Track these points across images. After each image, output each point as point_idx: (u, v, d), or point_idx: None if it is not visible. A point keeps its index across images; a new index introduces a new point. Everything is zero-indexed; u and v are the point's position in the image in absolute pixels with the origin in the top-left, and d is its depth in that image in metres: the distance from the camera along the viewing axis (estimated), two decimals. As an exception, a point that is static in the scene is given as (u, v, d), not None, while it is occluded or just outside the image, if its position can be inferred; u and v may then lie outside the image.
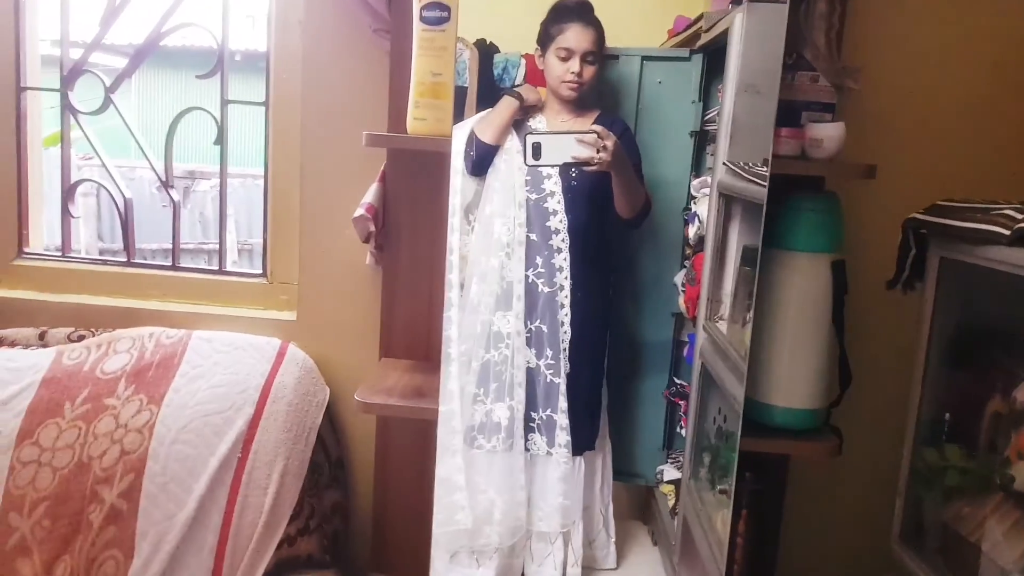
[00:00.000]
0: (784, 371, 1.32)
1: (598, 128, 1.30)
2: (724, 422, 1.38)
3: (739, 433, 1.23)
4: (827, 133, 1.28)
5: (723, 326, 1.37)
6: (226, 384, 1.53)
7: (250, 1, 1.74)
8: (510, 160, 1.40)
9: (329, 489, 1.61)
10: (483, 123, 1.39)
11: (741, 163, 1.28)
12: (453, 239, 1.38)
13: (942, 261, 1.19)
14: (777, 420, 1.34)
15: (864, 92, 1.38)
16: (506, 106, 1.39)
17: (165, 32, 1.70)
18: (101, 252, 4.27)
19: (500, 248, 1.39)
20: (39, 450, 1.50)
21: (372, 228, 1.54)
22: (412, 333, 1.59)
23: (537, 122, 1.45)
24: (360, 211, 1.52)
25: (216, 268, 1.76)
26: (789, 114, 1.33)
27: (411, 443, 1.58)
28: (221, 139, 1.72)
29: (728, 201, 1.34)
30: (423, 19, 1.36)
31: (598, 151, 1.29)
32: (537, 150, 1.32)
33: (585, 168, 1.32)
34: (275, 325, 1.67)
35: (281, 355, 1.59)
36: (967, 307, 1.21)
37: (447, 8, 1.34)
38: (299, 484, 1.51)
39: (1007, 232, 0.98)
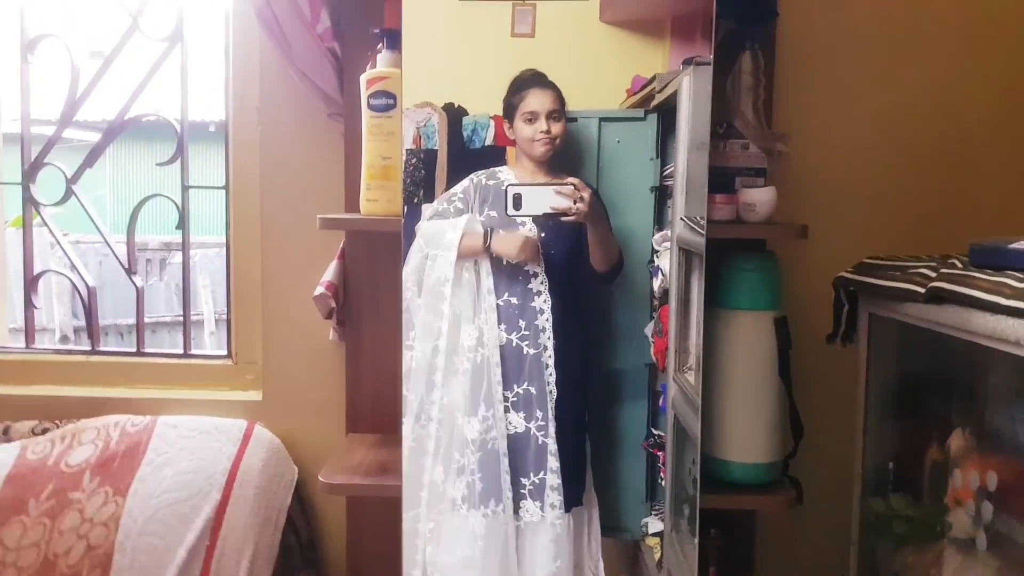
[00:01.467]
0: (738, 427, 1.36)
1: (575, 180, 1.36)
2: (697, 471, 1.40)
3: (698, 493, 1.26)
4: (759, 198, 1.34)
5: (691, 376, 1.41)
6: (192, 470, 1.53)
7: (214, 77, 1.79)
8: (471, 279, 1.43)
9: (301, 572, 1.60)
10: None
11: (697, 218, 1.33)
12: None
13: (871, 317, 1.25)
14: (736, 476, 1.38)
15: (794, 155, 1.46)
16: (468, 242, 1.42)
17: (127, 121, 1.75)
18: (76, 330, 4.25)
19: (469, 351, 1.42)
20: (3, 550, 1.48)
21: (333, 304, 1.57)
22: (377, 407, 1.61)
23: (508, 177, 1.49)
24: (320, 289, 1.56)
25: (181, 352, 1.78)
26: (723, 180, 1.40)
27: (383, 519, 1.58)
28: (183, 224, 1.76)
29: (688, 255, 1.40)
30: (371, 106, 1.42)
31: (575, 202, 1.34)
32: (518, 201, 1.36)
33: (562, 219, 1.37)
34: (241, 406, 1.68)
35: (247, 437, 1.60)
36: (900, 359, 1.26)
37: (392, 96, 1.41)
38: (270, 569, 1.50)
39: (922, 290, 1.04)
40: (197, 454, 1.55)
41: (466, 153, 1.50)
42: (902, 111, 1.54)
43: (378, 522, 1.60)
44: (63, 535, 1.48)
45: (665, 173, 1.60)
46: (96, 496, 1.52)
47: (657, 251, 1.56)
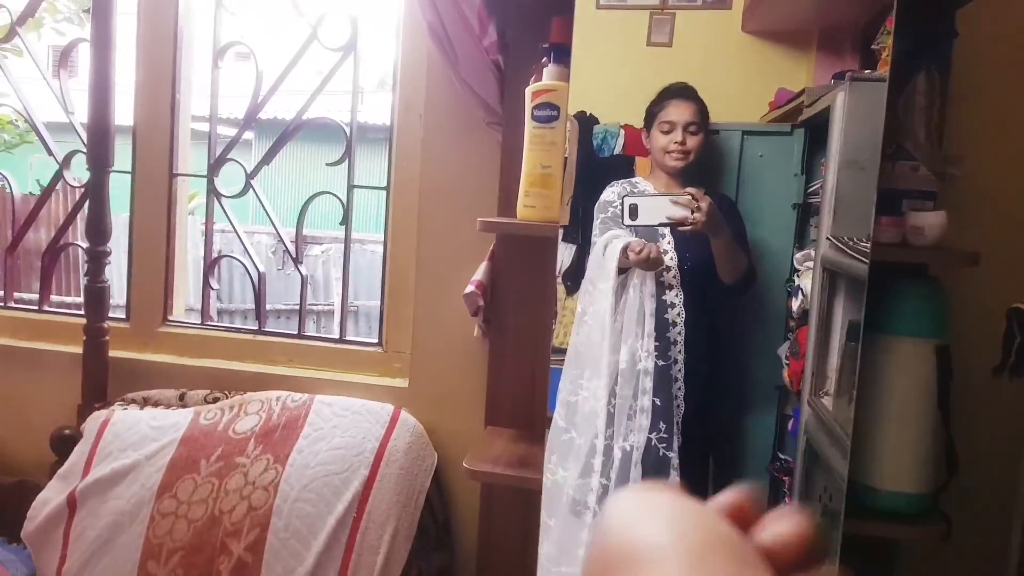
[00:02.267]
0: (890, 454, 1.33)
1: (692, 190, 1.36)
2: (830, 501, 1.37)
3: (842, 513, 1.23)
4: (929, 221, 1.30)
5: (828, 402, 1.38)
6: (344, 447, 1.64)
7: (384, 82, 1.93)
8: (638, 287, 1.44)
9: (436, 552, 1.69)
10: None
11: (845, 238, 1.31)
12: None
13: (1051, 352, 1.19)
14: (883, 504, 1.34)
15: (967, 179, 1.40)
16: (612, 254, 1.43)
17: (303, 123, 1.90)
18: (219, 312, 4.61)
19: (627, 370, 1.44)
20: (176, 503, 1.65)
21: (481, 303, 1.65)
22: (516, 403, 1.68)
23: (646, 188, 1.51)
24: (470, 287, 1.64)
25: (337, 337, 1.91)
26: (890, 201, 1.36)
27: (514, 511, 1.65)
28: (346, 220, 1.89)
29: (832, 276, 1.37)
30: (534, 117, 1.48)
31: (692, 212, 1.34)
32: (634, 211, 1.38)
33: (680, 229, 1.37)
34: (389, 391, 1.79)
35: (394, 420, 1.70)
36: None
37: (556, 107, 1.47)
38: (408, 546, 1.59)
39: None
40: (349, 432, 1.66)
41: (595, 161, 1.52)
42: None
43: (509, 512, 1.67)
44: (228, 494, 1.63)
45: (810, 190, 1.58)
46: (259, 462, 1.65)
47: (798, 270, 1.54)
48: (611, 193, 1.48)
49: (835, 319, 1.39)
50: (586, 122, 1.54)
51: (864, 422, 1.33)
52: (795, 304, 1.52)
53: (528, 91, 1.49)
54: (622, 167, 1.51)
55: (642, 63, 1.51)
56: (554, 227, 1.47)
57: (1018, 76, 1.49)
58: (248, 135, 2.12)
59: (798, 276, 1.54)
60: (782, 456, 1.61)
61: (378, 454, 1.64)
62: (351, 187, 1.88)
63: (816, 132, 1.54)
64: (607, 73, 1.54)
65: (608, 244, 1.44)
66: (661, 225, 1.39)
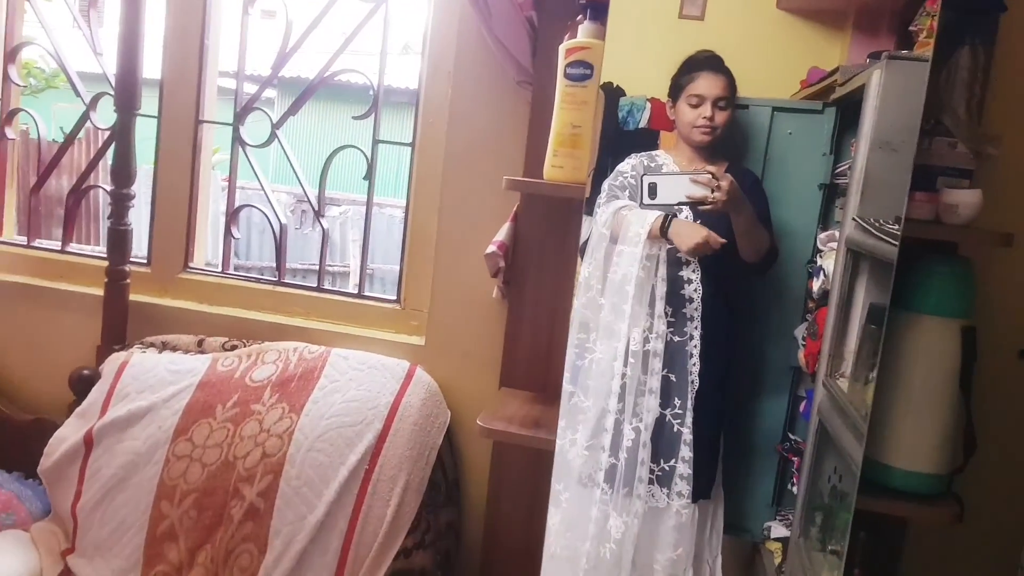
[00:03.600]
0: (907, 434, 1.32)
1: (712, 168, 1.34)
2: (839, 482, 1.37)
3: (855, 491, 1.23)
4: (963, 200, 1.28)
5: (844, 384, 1.37)
6: (359, 400, 1.65)
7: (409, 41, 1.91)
8: (649, 266, 1.42)
9: (445, 508, 1.70)
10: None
11: (871, 219, 1.29)
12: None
13: (1082, 335, 1.17)
14: (897, 483, 1.33)
15: (1004, 159, 1.37)
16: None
17: (328, 77, 1.89)
18: (236, 268, 4.64)
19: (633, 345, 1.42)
20: (192, 446, 1.67)
21: (502, 264, 1.64)
22: (531, 366, 1.68)
23: (666, 163, 1.49)
24: (492, 248, 1.63)
25: (356, 292, 1.91)
26: (924, 177, 1.34)
27: (523, 471, 1.66)
28: (370, 175, 1.89)
29: (856, 257, 1.35)
30: (567, 75, 1.46)
31: (712, 191, 1.32)
32: (653, 190, 1.36)
33: (700, 208, 1.35)
34: (405, 348, 1.79)
35: (409, 377, 1.70)
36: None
37: (590, 66, 1.44)
38: (418, 500, 1.61)
39: None
40: (364, 386, 1.67)
41: (619, 133, 1.50)
42: None
43: (518, 473, 1.68)
44: (243, 440, 1.65)
45: (838, 170, 1.55)
46: (274, 410, 1.67)
47: (821, 251, 1.52)
48: (627, 165, 1.46)
49: (856, 301, 1.37)
50: (612, 94, 1.52)
51: (884, 400, 1.31)
52: (816, 285, 1.50)
53: (562, 48, 1.47)
54: (647, 141, 1.49)
55: (673, 36, 1.49)
56: (581, 188, 1.45)
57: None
58: (271, 93, 2.11)
59: (820, 256, 1.52)
60: (792, 436, 1.61)
61: (392, 408, 1.64)
62: (376, 142, 1.86)
63: (848, 112, 1.50)
64: (636, 45, 1.51)
65: (625, 209, 1.41)
66: (680, 204, 1.37)
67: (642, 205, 1.39)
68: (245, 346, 1.81)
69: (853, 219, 1.34)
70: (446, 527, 1.69)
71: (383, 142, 1.87)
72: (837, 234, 1.41)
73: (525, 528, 1.65)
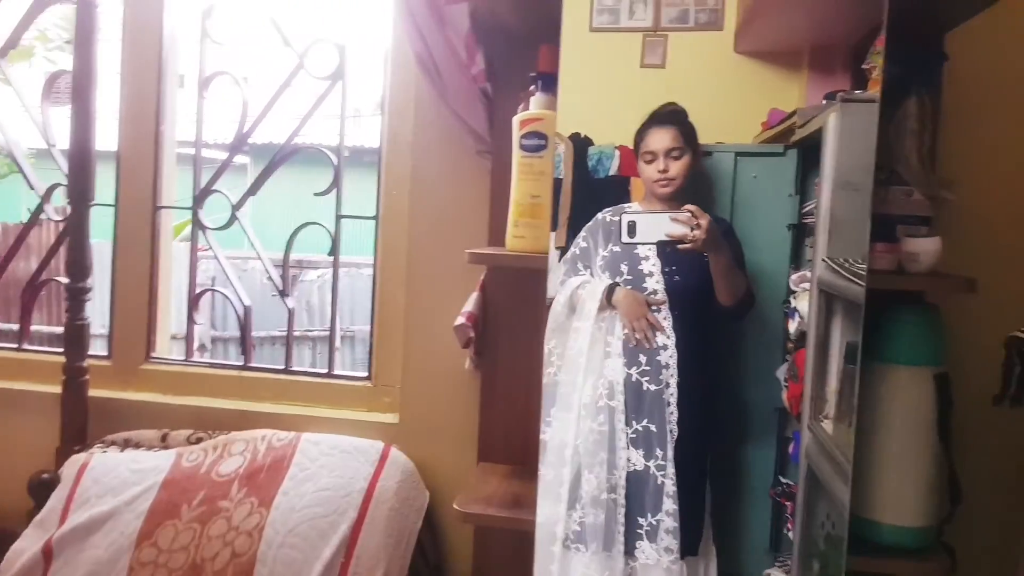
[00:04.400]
0: (891, 487, 1.29)
1: (692, 207, 1.34)
2: (833, 528, 1.34)
3: (843, 559, 1.20)
4: (923, 248, 1.28)
5: (828, 426, 1.35)
6: (331, 487, 1.59)
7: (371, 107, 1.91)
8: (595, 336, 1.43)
9: (427, 594, 1.64)
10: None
11: (841, 260, 1.29)
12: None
13: (1054, 381, 1.17)
14: (885, 538, 1.30)
15: (962, 204, 1.39)
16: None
17: (289, 151, 1.88)
18: (214, 340, 4.54)
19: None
20: (157, 551, 1.59)
21: (472, 335, 1.61)
22: (509, 438, 1.64)
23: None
24: (461, 319, 1.60)
25: (326, 372, 1.87)
26: (884, 228, 1.34)
27: (509, 550, 1.60)
28: (334, 251, 1.86)
29: (829, 298, 1.35)
30: (522, 147, 1.46)
31: (692, 229, 1.33)
32: (632, 228, 1.36)
33: (679, 247, 1.35)
34: (378, 427, 1.75)
35: (384, 458, 1.65)
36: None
37: (544, 136, 1.45)
38: (399, 589, 1.54)
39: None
40: (337, 472, 1.62)
41: (590, 183, 1.50)
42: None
43: (504, 552, 1.62)
44: (211, 541, 1.57)
45: (805, 210, 1.56)
46: (243, 506, 1.60)
47: (794, 292, 1.52)
48: (585, 230, 1.47)
49: (833, 341, 1.36)
50: (581, 144, 1.53)
51: (864, 453, 1.29)
52: (792, 326, 1.50)
53: (515, 120, 1.48)
54: (617, 188, 1.49)
55: (636, 85, 1.50)
56: (544, 257, 1.44)
57: (1008, 98, 1.49)
58: (243, 159, 2.10)
59: (794, 297, 1.51)
60: (784, 480, 1.58)
61: (367, 494, 1.59)
62: (339, 217, 1.85)
63: (809, 152, 1.51)
64: (601, 95, 1.53)
65: (581, 287, 1.43)
66: (660, 243, 1.37)
67: (622, 242, 1.40)
68: (211, 437, 1.75)
69: (823, 260, 1.33)
70: (430, 615, 1.63)
71: (346, 217, 1.85)
72: (809, 274, 1.41)
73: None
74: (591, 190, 1.48)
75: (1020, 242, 1.46)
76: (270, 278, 1.89)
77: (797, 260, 1.58)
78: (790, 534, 1.51)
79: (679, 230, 1.33)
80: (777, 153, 1.56)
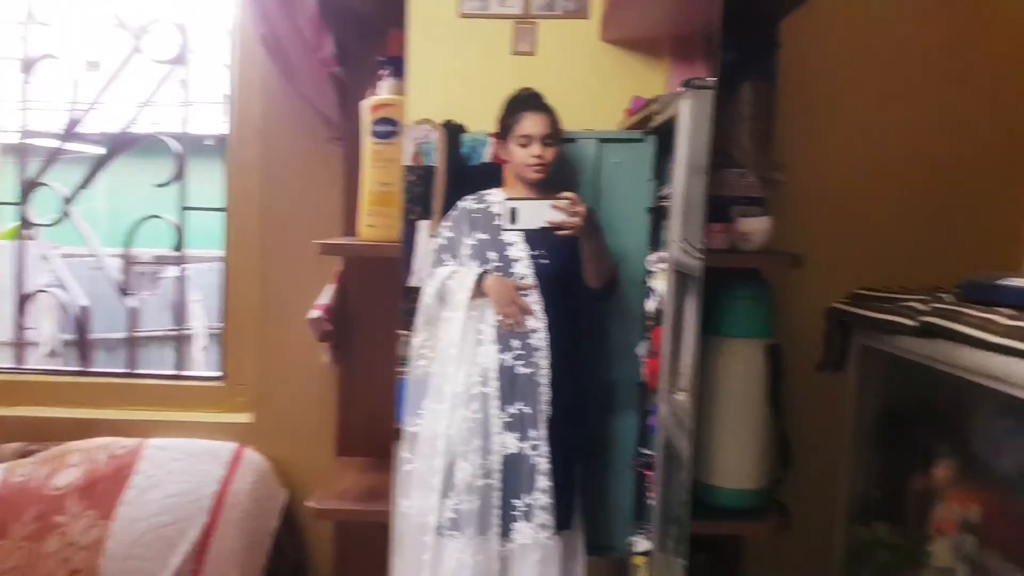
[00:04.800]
0: (728, 453, 1.37)
1: (571, 194, 1.37)
2: (687, 496, 1.40)
3: (688, 520, 1.26)
4: (755, 227, 1.37)
5: (683, 397, 1.41)
6: (179, 494, 1.51)
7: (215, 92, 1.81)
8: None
9: (288, 595, 1.58)
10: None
11: (692, 242, 1.35)
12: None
13: (862, 347, 1.27)
14: (724, 501, 1.38)
15: (791, 186, 1.48)
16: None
17: (127, 140, 1.76)
18: (65, 344, 4.17)
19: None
20: (-17, 574, 1.45)
21: (328, 327, 1.57)
22: (369, 430, 1.60)
23: (496, 201, 1.48)
24: (316, 312, 1.56)
25: (172, 373, 1.77)
26: (721, 208, 1.42)
27: (371, 543, 1.56)
28: (180, 245, 1.76)
29: (683, 277, 1.41)
30: (374, 133, 1.43)
31: (571, 216, 1.35)
32: (515, 215, 1.37)
33: (558, 233, 1.37)
34: (232, 428, 1.67)
35: (237, 460, 1.58)
36: (889, 389, 1.28)
37: (395, 123, 1.42)
38: (256, 593, 1.48)
39: (913, 324, 1.06)
40: (185, 477, 1.53)
41: (464, 170, 1.50)
42: (896, 145, 1.59)
43: (366, 545, 1.58)
44: (46, 559, 1.45)
45: (661, 195, 1.62)
46: (81, 520, 1.49)
47: (652, 272, 1.58)
48: (449, 219, 1.45)
49: (686, 318, 1.43)
50: (453, 131, 1.51)
51: (704, 422, 1.36)
52: (650, 305, 1.55)
53: (365, 106, 1.45)
54: (491, 176, 1.49)
55: (508, 72, 1.50)
56: (397, 247, 1.42)
57: (838, 85, 1.60)
58: (78, 150, 1.95)
59: (652, 277, 1.57)
60: (645, 452, 1.63)
61: (219, 498, 1.52)
62: (183, 209, 1.75)
63: (666, 138, 1.57)
64: (473, 82, 1.53)
65: (450, 278, 1.42)
66: (542, 229, 1.38)
67: (504, 228, 1.40)
68: (45, 449, 1.61)
69: (677, 241, 1.39)
70: (291, 616, 1.57)
71: (192, 208, 1.75)
72: (665, 255, 1.47)
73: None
74: (465, 178, 1.47)
75: (841, 221, 1.58)
76: (136, 259, 1.76)
77: (656, 242, 1.64)
78: (651, 502, 1.57)
79: (559, 217, 1.36)
80: (637, 139, 1.60)
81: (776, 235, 1.38)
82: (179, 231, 1.75)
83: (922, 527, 1.13)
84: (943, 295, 1.14)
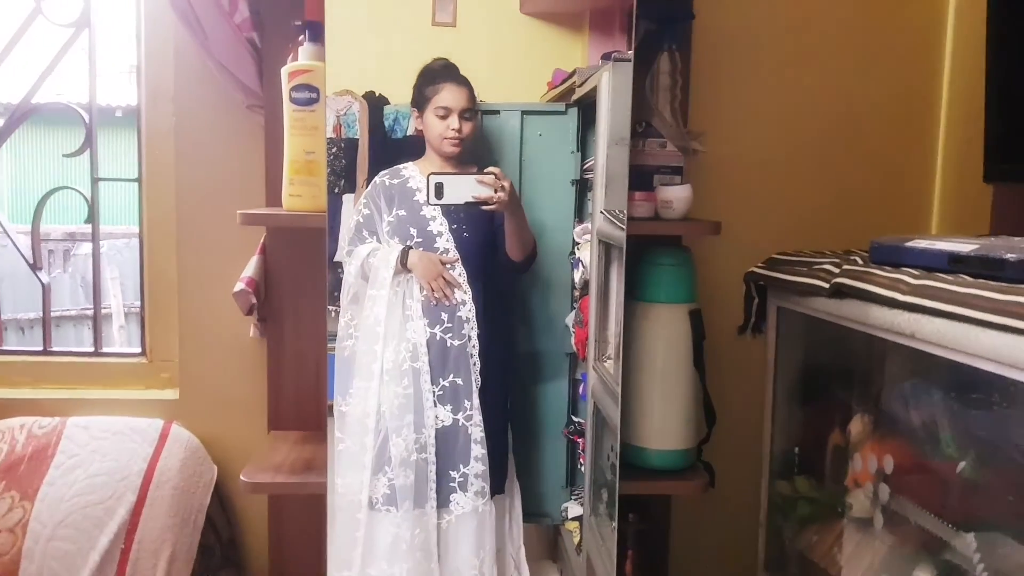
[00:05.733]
0: (655, 415, 1.42)
1: (495, 169, 1.37)
2: (618, 459, 1.45)
3: (617, 481, 1.30)
4: (676, 195, 1.39)
5: (610, 365, 1.45)
6: (105, 472, 1.48)
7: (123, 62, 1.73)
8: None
9: (222, 570, 1.58)
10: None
11: (616, 211, 1.37)
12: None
13: (779, 310, 1.32)
14: (652, 462, 1.43)
15: (709, 154, 1.51)
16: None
17: (29, 110, 1.66)
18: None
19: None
20: None
21: (253, 300, 1.54)
22: (300, 404, 1.59)
23: (412, 175, 1.48)
24: (240, 285, 1.53)
25: (91, 350, 1.71)
26: (643, 177, 1.44)
27: (306, 517, 1.57)
28: (92, 218, 1.69)
29: (607, 247, 1.43)
30: (293, 100, 1.39)
31: (496, 191, 1.35)
32: (439, 190, 1.36)
33: (483, 207, 1.37)
34: (157, 405, 1.63)
35: (164, 436, 1.56)
36: (806, 349, 1.34)
37: (315, 89, 1.39)
38: (189, 569, 1.48)
39: (826, 286, 1.11)
40: (110, 456, 1.50)
41: (388, 143, 1.48)
42: (809, 112, 1.63)
43: (301, 520, 1.59)
44: (-37, 545, 1.41)
45: (585, 167, 1.64)
46: (1, 502, 1.45)
47: (578, 243, 1.60)
48: (365, 195, 1.44)
49: (612, 288, 1.46)
50: (376, 103, 1.49)
51: (631, 387, 1.40)
52: (577, 275, 1.58)
53: (284, 72, 1.40)
54: (415, 149, 1.47)
55: (428, 43, 1.47)
56: (322, 216, 1.39)
57: (750, 53, 1.62)
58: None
59: (578, 249, 1.59)
60: (576, 419, 1.68)
61: (146, 476, 1.49)
62: (95, 180, 1.67)
63: (588, 111, 1.59)
64: (394, 53, 1.50)
65: (371, 255, 1.41)
66: (467, 204, 1.38)
67: (428, 203, 1.39)
68: (-43, 432, 1.55)
69: (601, 212, 1.41)
70: (226, 591, 1.57)
71: (104, 179, 1.68)
72: (590, 226, 1.49)
73: (315, 573, 1.57)
74: (388, 150, 1.45)
75: (758, 187, 1.62)
76: (30, 252, 1.68)
77: (581, 214, 1.66)
78: (583, 469, 1.62)
79: (485, 192, 1.35)
80: (559, 112, 1.61)
81: (697, 203, 1.41)
82: (91, 204, 1.68)
83: (840, 480, 1.19)
84: (854, 257, 1.19)
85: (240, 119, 1.58)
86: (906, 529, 1.04)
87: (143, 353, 1.70)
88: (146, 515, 1.46)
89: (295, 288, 1.58)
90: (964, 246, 0.94)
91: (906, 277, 0.97)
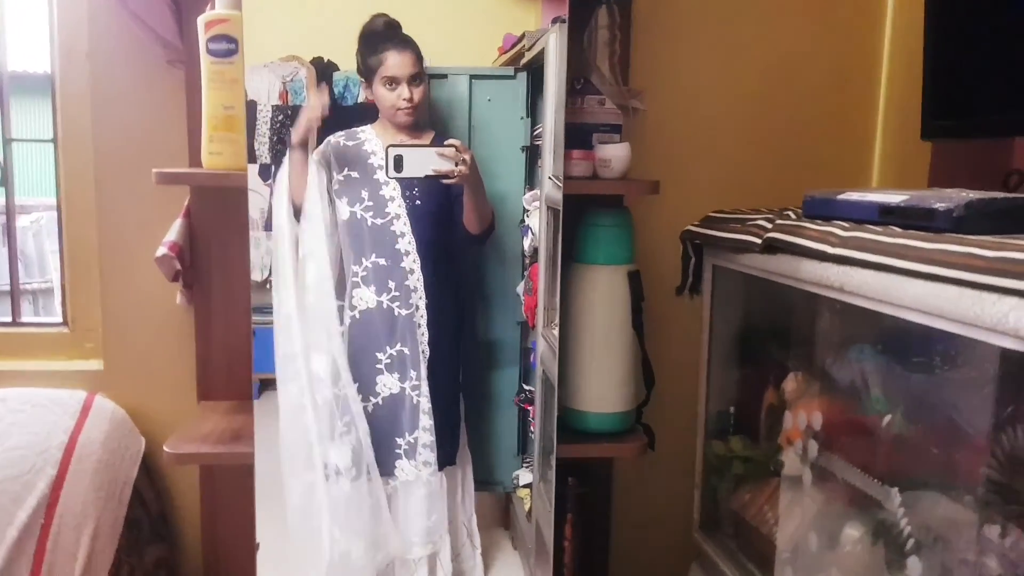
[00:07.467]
0: (594, 379, 1.40)
1: (456, 142, 1.33)
2: (554, 423, 1.43)
3: (554, 444, 1.28)
4: (614, 153, 1.36)
5: (557, 332, 1.43)
6: (24, 446, 1.41)
7: (33, 24, 1.62)
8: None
9: (151, 545, 1.53)
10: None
11: (564, 177, 1.34)
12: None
13: (715, 268, 1.30)
14: (593, 425, 1.42)
15: (649, 112, 1.48)
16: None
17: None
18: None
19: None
20: None
21: (178, 266, 1.47)
22: (231, 372, 1.54)
23: (369, 138, 1.44)
24: (163, 250, 1.46)
25: (10, 320, 1.63)
26: (581, 136, 1.40)
27: (238, 488, 1.53)
28: (6, 181, 1.60)
29: (556, 213, 1.40)
30: (210, 51, 1.32)
31: (456, 164, 1.32)
32: (399, 163, 1.32)
33: (444, 181, 1.34)
34: (80, 376, 1.56)
35: (87, 408, 1.49)
36: (742, 308, 1.33)
37: (234, 40, 1.32)
38: (114, 544, 1.42)
39: (759, 241, 1.09)
40: (29, 428, 1.43)
41: (338, 110, 1.43)
42: (746, 70, 1.60)
43: (233, 491, 1.55)
44: None
45: (535, 133, 1.60)
46: (-91, 480, 1.37)
47: (528, 210, 1.57)
48: (315, 155, 1.39)
49: (560, 254, 1.43)
50: (324, 69, 1.44)
51: (570, 350, 1.38)
52: (527, 243, 1.55)
53: (200, 22, 1.33)
54: (366, 116, 1.43)
55: (378, 7, 1.40)
56: (244, 176, 1.33)
57: (693, 9, 1.58)
58: None
59: (528, 216, 1.56)
60: (527, 387, 1.66)
61: (68, 449, 1.43)
62: (7, 141, 1.58)
63: (537, 75, 1.55)
64: (341, 17, 1.44)
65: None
66: (427, 177, 1.34)
67: (388, 176, 1.36)
68: None
69: (549, 178, 1.38)
70: (155, 565, 1.52)
71: (17, 140, 1.59)
72: (539, 192, 1.46)
73: (248, 545, 1.53)
74: (338, 118, 1.40)
75: (697, 146, 1.60)
76: None
77: (531, 180, 1.62)
78: (534, 436, 1.61)
79: (446, 165, 1.32)
80: (508, 76, 1.57)
81: (636, 162, 1.38)
82: (3, 166, 1.59)
83: (774, 439, 1.19)
84: (788, 212, 1.17)
85: (160, 75, 1.50)
86: (834, 486, 1.04)
87: (64, 323, 1.62)
88: (67, 490, 1.40)
89: (222, 253, 1.52)
90: (895, 197, 0.93)
91: (836, 230, 0.96)
